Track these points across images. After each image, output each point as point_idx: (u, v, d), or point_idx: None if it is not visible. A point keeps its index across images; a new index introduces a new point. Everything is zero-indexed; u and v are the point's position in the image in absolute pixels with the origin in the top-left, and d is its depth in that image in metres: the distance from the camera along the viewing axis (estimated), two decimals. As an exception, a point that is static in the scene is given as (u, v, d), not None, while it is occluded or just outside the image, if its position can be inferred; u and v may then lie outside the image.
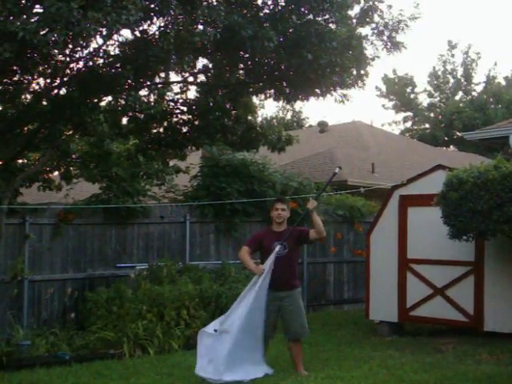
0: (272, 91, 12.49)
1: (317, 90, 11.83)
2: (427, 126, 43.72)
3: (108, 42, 9.82)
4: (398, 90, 44.21)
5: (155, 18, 9.41)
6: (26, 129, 11.55)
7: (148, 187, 12.58)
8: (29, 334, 9.35)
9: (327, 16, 10.76)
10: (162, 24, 9.51)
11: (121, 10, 7.96)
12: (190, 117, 13.39)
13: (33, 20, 7.95)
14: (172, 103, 13.33)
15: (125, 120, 13.48)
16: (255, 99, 13.81)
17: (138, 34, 9.62)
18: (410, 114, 44.95)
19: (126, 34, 9.96)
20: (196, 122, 13.34)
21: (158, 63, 9.73)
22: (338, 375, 7.22)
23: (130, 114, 12.84)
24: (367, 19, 11.67)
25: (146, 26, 9.53)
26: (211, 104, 13.07)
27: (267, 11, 10.71)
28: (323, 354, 8.71)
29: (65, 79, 10.40)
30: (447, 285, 9.65)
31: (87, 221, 10.82)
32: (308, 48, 10.43)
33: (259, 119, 15.64)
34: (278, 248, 7.21)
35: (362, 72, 11.90)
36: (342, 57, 10.82)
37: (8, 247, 9.92)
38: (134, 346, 9.23)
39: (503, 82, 42.43)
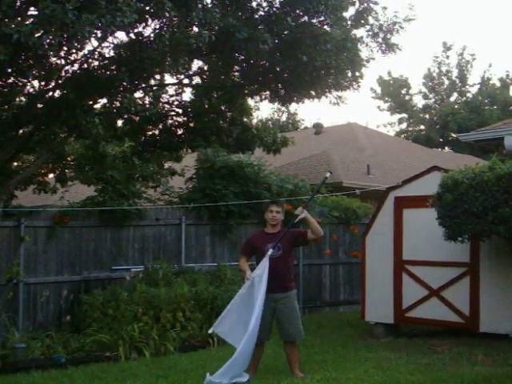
0: (267, 93, 12.52)
1: (312, 92, 11.87)
2: (422, 127, 43.77)
3: (103, 44, 9.83)
4: (393, 92, 44.28)
5: (150, 20, 9.43)
6: (21, 131, 11.54)
7: (143, 189, 12.57)
8: (24, 337, 9.33)
9: (322, 18, 10.80)
10: (157, 26, 9.53)
11: (115, 12, 7.97)
12: (186, 119, 13.41)
13: (28, 22, 7.95)
14: (167, 105, 13.35)
15: (120, 122, 13.50)
16: (250, 101, 13.85)
17: (132, 36, 9.63)
18: (405, 115, 45.01)
19: (121, 36, 10.01)
20: (191, 124, 13.37)
21: (153, 65, 9.74)
22: (334, 377, 7.22)
23: (125, 116, 12.85)
24: (362, 21, 11.71)
25: (140, 28, 9.55)
26: (206, 106, 13.10)
27: (262, 13, 10.74)
28: (319, 356, 8.70)
29: (60, 81, 10.40)
30: (443, 286, 9.66)
31: (82, 223, 10.79)
32: (303, 50, 10.46)
33: (254, 121, 15.66)
34: (270, 251, 7.20)
35: (357, 74, 11.94)
36: (336, 59, 10.85)
37: (3, 250, 9.89)
38: (130, 349, 9.21)
39: (498, 84, 42.52)
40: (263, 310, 7.12)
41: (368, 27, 11.77)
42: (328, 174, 7.92)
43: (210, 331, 7.38)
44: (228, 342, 7.35)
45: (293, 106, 45.27)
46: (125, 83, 10.22)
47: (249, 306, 7.09)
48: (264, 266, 7.15)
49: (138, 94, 12.05)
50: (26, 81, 10.35)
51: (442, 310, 9.63)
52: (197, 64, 12.28)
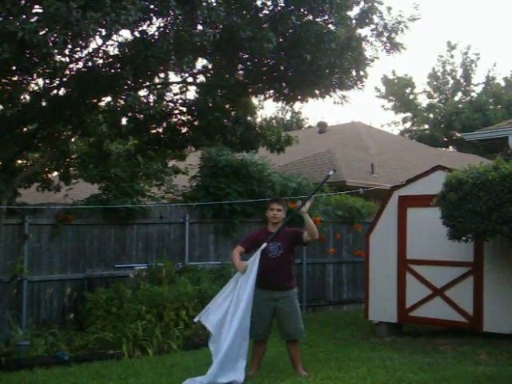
0: (271, 92, 12.51)
1: (316, 91, 11.85)
2: (426, 126, 43.68)
3: (107, 43, 9.82)
4: (398, 91, 44.19)
5: (154, 19, 9.42)
6: (25, 129, 11.57)
7: (147, 187, 12.58)
8: (28, 335, 9.34)
9: (326, 17, 10.76)
10: (162, 24, 9.52)
11: (120, 10, 7.97)
12: (190, 117, 13.41)
13: (32, 20, 7.95)
14: (171, 103, 13.34)
15: (124, 120, 13.50)
16: (254, 100, 13.82)
17: (137, 34, 9.61)
18: (409, 114, 44.91)
19: (126, 34, 10.01)
20: (195, 123, 13.36)
21: (158, 63, 9.73)
22: (337, 376, 7.23)
23: (130, 114, 12.86)
24: (366, 20, 11.66)
25: (145, 27, 9.53)
26: (210, 104, 13.08)
27: (267, 12, 10.72)
28: (322, 355, 8.70)
29: (64, 79, 10.40)
30: (446, 285, 9.65)
31: (86, 221, 10.81)
32: (307, 49, 10.44)
33: (258, 120, 15.64)
34: (264, 245, 7.23)
35: (361, 73, 11.91)
36: (341, 58, 10.83)
37: (7, 247, 9.92)
38: (133, 347, 9.22)
39: (502, 83, 42.42)
40: (262, 308, 7.15)
41: (373, 26, 11.73)
42: (331, 172, 7.89)
43: (195, 320, 7.40)
44: (211, 331, 7.32)
45: (297, 105, 45.20)
46: (129, 81, 10.22)
47: (235, 299, 7.09)
48: (255, 260, 7.15)
49: (143, 93, 12.05)
50: (30, 79, 10.36)
51: (445, 310, 9.62)
52: (201, 62, 12.28)
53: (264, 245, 7.25)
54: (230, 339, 6.92)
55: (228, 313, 7.09)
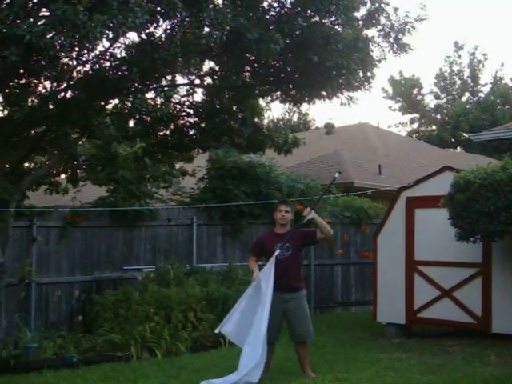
0: (278, 93, 12.51)
1: (323, 93, 11.84)
2: (434, 127, 43.61)
3: (114, 45, 9.84)
4: (405, 92, 44.12)
5: (161, 21, 9.43)
6: (32, 132, 11.59)
7: (155, 190, 12.59)
8: (36, 337, 9.36)
9: (333, 18, 10.76)
10: (169, 26, 9.53)
11: (127, 12, 7.97)
12: (197, 119, 13.41)
13: (39, 23, 7.97)
14: (178, 106, 13.35)
15: (131, 123, 13.53)
16: (262, 101, 13.82)
17: (144, 36, 9.63)
18: (416, 115, 44.86)
19: (133, 36, 10.02)
20: (203, 125, 13.36)
21: (165, 66, 9.75)
22: (345, 377, 7.21)
23: (137, 116, 12.89)
24: (373, 21, 11.64)
25: (152, 29, 9.54)
26: (218, 106, 13.09)
27: (273, 13, 10.72)
28: (330, 356, 8.69)
29: (71, 82, 10.43)
30: (455, 286, 9.62)
31: (94, 223, 10.83)
32: (314, 50, 10.43)
33: (266, 121, 15.66)
34: (277, 252, 7.21)
35: (369, 74, 11.89)
36: (348, 59, 10.81)
37: (15, 250, 9.93)
38: (142, 349, 9.23)
39: (510, 83, 42.28)
40: (272, 310, 7.12)
41: (379, 27, 11.71)
42: (337, 174, 7.88)
43: (216, 331, 7.38)
44: (234, 342, 7.38)
45: (304, 107, 45.18)
46: (136, 84, 10.23)
47: (256, 306, 7.09)
48: (270, 266, 7.15)
49: (150, 95, 12.06)
50: (37, 82, 10.38)
51: (453, 311, 9.60)
52: (208, 64, 12.29)
53: (277, 251, 7.23)
54: (261, 345, 6.90)
55: (254, 320, 7.04)
